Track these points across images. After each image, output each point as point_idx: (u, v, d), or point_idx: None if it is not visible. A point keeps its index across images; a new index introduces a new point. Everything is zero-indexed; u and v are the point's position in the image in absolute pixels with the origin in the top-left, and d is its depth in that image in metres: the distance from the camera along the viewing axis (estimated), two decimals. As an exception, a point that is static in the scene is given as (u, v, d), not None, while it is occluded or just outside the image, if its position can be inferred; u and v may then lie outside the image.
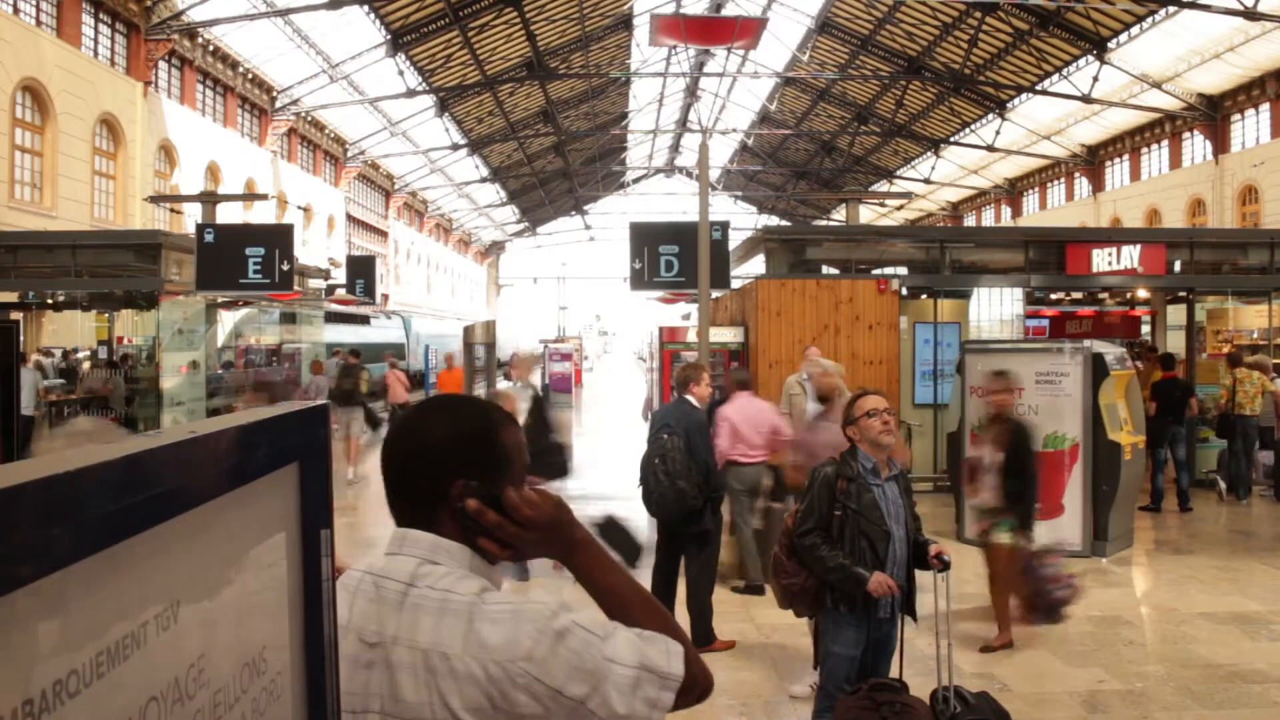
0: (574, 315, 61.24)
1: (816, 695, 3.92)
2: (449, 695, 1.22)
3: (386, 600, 1.28)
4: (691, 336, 11.57)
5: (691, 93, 34.77)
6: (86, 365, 14.12)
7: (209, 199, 15.45)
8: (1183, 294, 13.03)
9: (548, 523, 1.31)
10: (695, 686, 1.27)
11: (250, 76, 25.99)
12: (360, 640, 1.27)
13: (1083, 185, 31.95)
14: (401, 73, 25.94)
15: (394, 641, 1.25)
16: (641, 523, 5.74)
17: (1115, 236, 12.52)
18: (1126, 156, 29.54)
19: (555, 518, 1.32)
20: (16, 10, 17.33)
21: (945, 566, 3.66)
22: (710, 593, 5.71)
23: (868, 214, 37.65)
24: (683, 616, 5.72)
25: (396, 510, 1.37)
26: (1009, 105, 29.08)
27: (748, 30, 12.45)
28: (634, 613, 1.30)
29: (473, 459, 1.33)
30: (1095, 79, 24.28)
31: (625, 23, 28.74)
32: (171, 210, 21.75)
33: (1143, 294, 13.29)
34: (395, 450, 1.36)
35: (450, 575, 1.29)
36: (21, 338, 8.60)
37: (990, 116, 29.94)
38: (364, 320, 25.71)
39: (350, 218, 34.77)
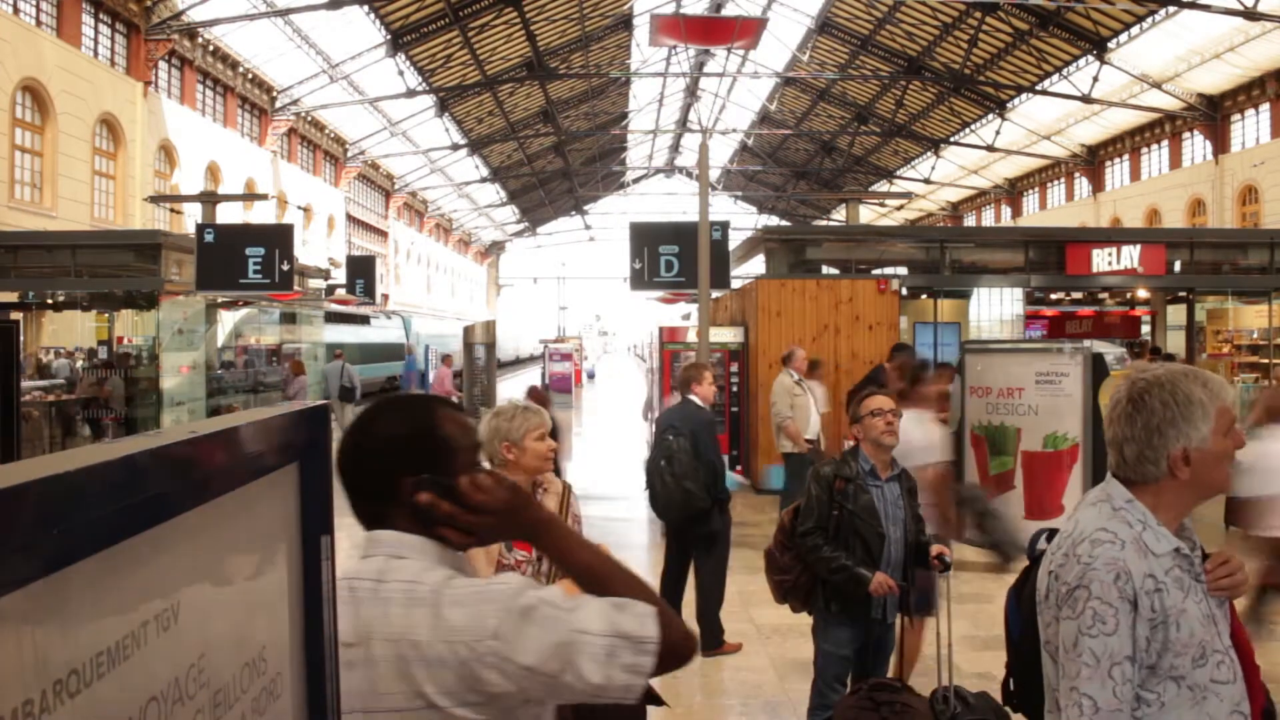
0: (574, 315, 61.28)
1: (810, 694, 3.93)
2: (423, 682, 1.24)
3: (360, 600, 1.30)
4: (691, 336, 11.57)
5: (691, 93, 34.78)
6: (78, 365, 14.08)
7: (209, 199, 15.45)
8: (1183, 294, 13.05)
9: (503, 506, 1.33)
10: (677, 649, 1.27)
11: (250, 76, 25.99)
12: (342, 644, 1.29)
13: (1083, 185, 31.95)
14: (401, 73, 25.94)
15: (369, 638, 1.27)
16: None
17: (1115, 236, 12.52)
18: (1126, 156, 29.54)
19: (510, 501, 1.33)
20: (16, 10, 17.33)
21: (946, 567, 3.66)
22: (720, 595, 5.71)
23: (868, 214, 37.63)
24: (690, 619, 5.72)
25: (358, 513, 1.40)
26: (1009, 105, 29.08)
27: (748, 30, 12.45)
28: (613, 587, 1.31)
29: (418, 453, 1.37)
30: (1095, 79, 24.28)
31: (625, 23, 28.74)
32: (171, 210, 21.74)
33: (1143, 294, 13.29)
34: (343, 455, 1.39)
35: (416, 567, 1.32)
36: (21, 338, 8.60)
37: (990, 116, 29.94)
38: (364, 320, 25.71)
39: (350, 218, 34.76)
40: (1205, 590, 1.65)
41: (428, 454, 1.36)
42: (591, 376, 37.77)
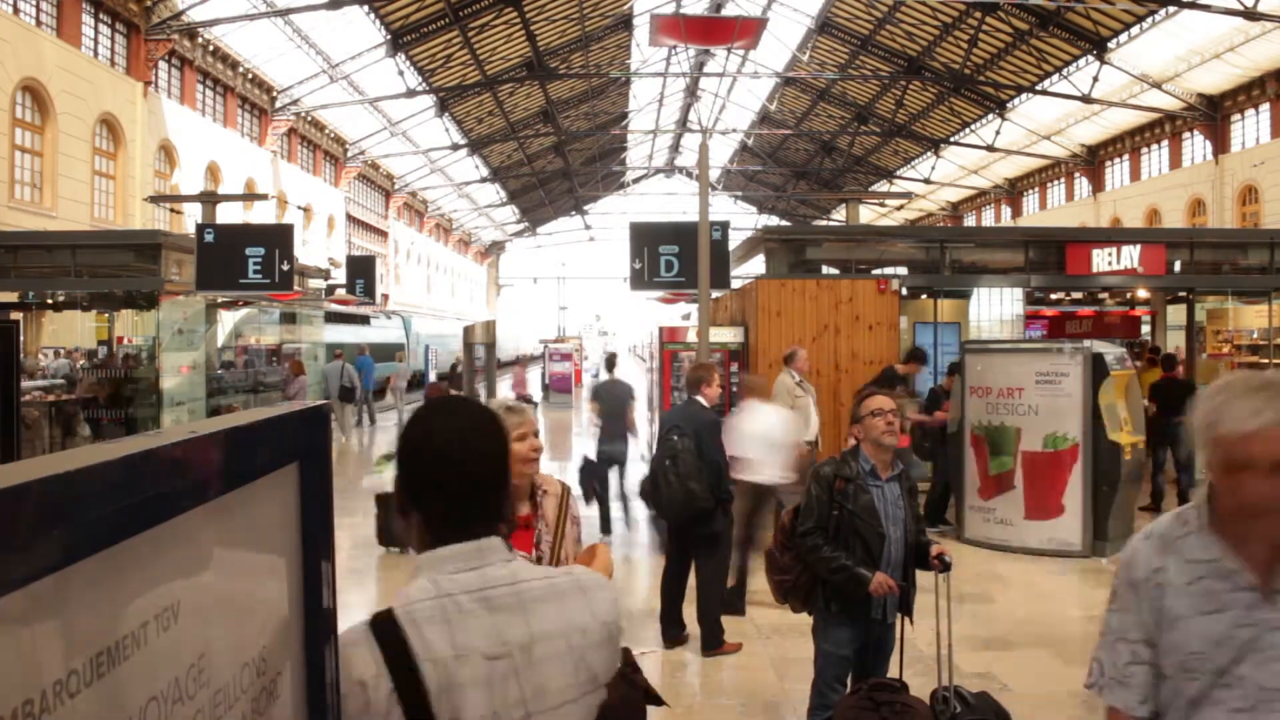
0: (574, 315, 61.25)
1: (810, 694, 3.93)
2: (594, 665, 1.32)
3: (501, 609, 1.28)
4: (691, 336, 11.57)
5: (691, 93, 34.77)
6: (79, 365, 14.07)
7: (209, 199, 15.44)
8: (1183, 294, 13.03)
9: None
10: None
11: (250, 76, 25.99)
12: (486, 658, 1.25)
13: (1083, 185, 31.95)
14: (401, 73, 25.94)
15: (531, 641, 1.28)
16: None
17: (1115, 236, 12.52)
18: (1126, 156, 29.54)
19: None
20: (16, 10, 17.33)
21: (946, 567, 3.66)
22: (721, 595, 5.71)
23: (868, 214, 37.63)
24: (691, 619, 5.72)
25: (481, 517, 1.33)
26: (1009, 105, 29.08)
27: (748, 30, 12.43)
28: None
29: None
30: (1095, 79, 24.28)
31: (625, 23, 28.74)
32: (171, 210, 21.74)
33: (1143, 294, 13.28)
34: (484, 454, 1.33)
35: (531, 566, 1.38)
36: (21, 338, 8.60)
37: (990, 116, 29.94)
38: (364, 320, 25.71)
39: (350, 218, 34.76)
40: (1257, 617, 1.53)
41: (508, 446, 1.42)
42: (596, 376, 37.92)
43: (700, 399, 5.71)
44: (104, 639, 0.63)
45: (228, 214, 20.22)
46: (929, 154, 35.08)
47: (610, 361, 11.42)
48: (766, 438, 6.32)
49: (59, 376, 13.23)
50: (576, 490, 6.34)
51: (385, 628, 1.23)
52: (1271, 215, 22.65)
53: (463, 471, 1.30)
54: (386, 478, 8.23)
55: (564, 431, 18.65)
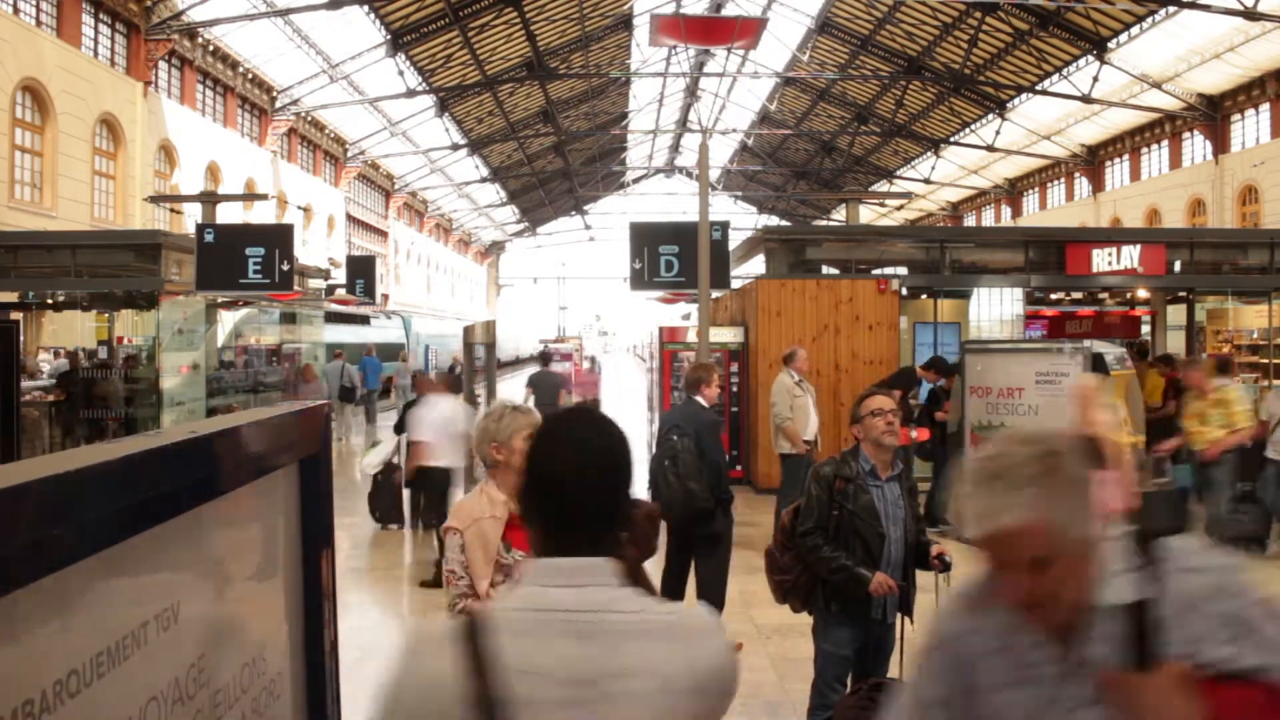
0: (574, 315, 61.26)
1: (810, 694, 3.92)
2: (676, 716, 1.22)
3: (585, 636, 1.23)
4: (691, 336, 11.57)
5: (691, 93, 34.76)
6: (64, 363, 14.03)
7: (209, 199, 15.44)
8: (1183, 294, 13.03)
9: None
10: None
11: (250, 76, 25.99)
12: (568, 681, 1.21)
13: (1083, 185, 31.95)
14: (401, 73, 25.94)
15: (619, 674, 1.21)
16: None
17: (1115, 236, 12.52)
18: (1126, 156, 29.54)
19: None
20: (16, 10, 17.33)
21: (946, 567, 3.66)
22: (722, 595, 5.70)
23: (868, 214, 37.62)
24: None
25: (591, 537, 1.28)
26: (1009, 105, 29.07)
27: (748, 30, 12.44)
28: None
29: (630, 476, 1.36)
30: (1095, 79, 24.27)
31: (625, 23, 28.73)
32: (171, 210, 21.74)
33: (1143, 294, 13.28)
34: (599, 472, 1.30)
35: (630, 594, 1.27)
36: (21, 338, 8.60)
37: (990, 116, 29.93)
38: (364, 320, 25.71)
39: (350, 218, 34.77)
40: None
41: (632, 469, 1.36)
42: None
43: (700, 399, 5.70)
44: (104, 639, 0.63)
45: (228, 214, 20.21)
46: (929, 154, 35.07)
47: (545, 357, 14.32)
48: (445, 427, 7.27)
49: (57, 376, 13.23)
50: None
51: (470, 630, 1.20)
52: (1271, 215, 22.65)
53: (574, 489, 1.28)
54: (374, 460, 9.15)
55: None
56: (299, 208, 27.31)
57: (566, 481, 1.28)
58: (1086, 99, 24.97)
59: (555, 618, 1.22)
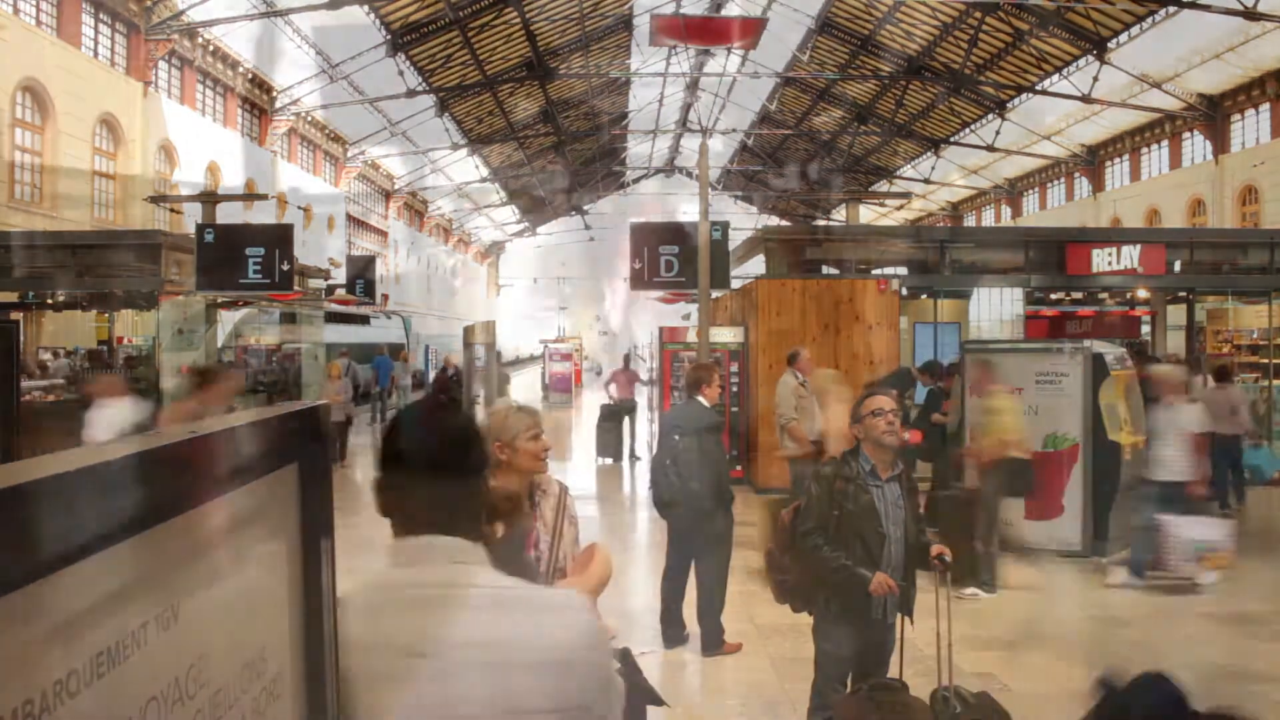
0: (574, 315, 61.18)
1: (810, 694, 3.93)
2: (519, 691, 1.22)
3: (434, 608, 1.26)
4: (691, 336, 11.57)
5: (691, 93, 34.75)
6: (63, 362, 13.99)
7: (209, 199, 15.44)
8: (1183, 294, 13.03)
9: None
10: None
11: (250, 76, 25.98)
12: (406, 652, 1.23)
13: (1083, 185, 31.94)
14: (401, 73, 25.92)
15: (459, 645, 1.23)
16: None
17: (1115, 236, 12.53)
18: (1126, 156, 29.53)
19: None
20: (16, 10, 17.33)
21: (946, 567, 3.66)
22: (722, 595, 5.70)
23: (868, 214, 37.62)
24: (691, 619, 5.72)
25: (422, 516, 1.34)
26: (1009, 105, 29.07)
27: (748, 30, 12.44)
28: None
29: (480, 453, 1.45)
30: (1095, 79, 24.26)
31: (625, 23, 28.72)
32: (171, 210, 21.73)
33: (1143, 294, 13.29)
34: (442, 457, 1.36)
35: (487, 571, 1.31)
36: (21, 338, 8.60)
37: (990, 116, 29.93)
38: (364, 320, 25.71)
39: (350, 218, 34.76)
40: None
41: (482, 455, 1.43)
42: (599, 373, 38.50)
43: (700, 399, 5.71)
44: (104, 639, 0.63)
45: (228, 214, 20.18)
46: (929, 154, 35.06)
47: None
48: None
49: (59, 376, 13.23)
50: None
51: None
52: (1271, 215, 22.64)
53: (415, 472, 1.33)
54: None
55: (564, 431, 18.63)
56: (299, 208, 27.31)
57: (411, 468, 1.34)
58: (1086, 99, 24.96)
59: (400, 594, 1.27)
